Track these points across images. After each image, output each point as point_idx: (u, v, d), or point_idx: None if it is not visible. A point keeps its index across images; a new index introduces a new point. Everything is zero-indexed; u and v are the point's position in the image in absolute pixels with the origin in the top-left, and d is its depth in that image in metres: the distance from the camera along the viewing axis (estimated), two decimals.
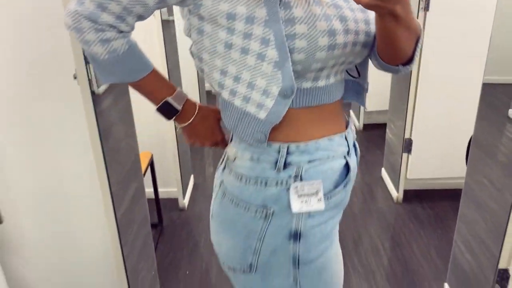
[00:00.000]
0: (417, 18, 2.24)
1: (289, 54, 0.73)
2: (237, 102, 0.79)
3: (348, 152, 0.87)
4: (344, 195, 0.88)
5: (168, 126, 2.46)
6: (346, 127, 0.90)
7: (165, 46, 2.29)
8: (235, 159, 0.85)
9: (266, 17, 0.72)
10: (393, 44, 0.78)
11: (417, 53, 0.84)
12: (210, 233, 0.96)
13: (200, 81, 3.62)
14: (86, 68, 1.19)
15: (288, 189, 0.80)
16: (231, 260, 0.90)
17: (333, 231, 0.89)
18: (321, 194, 0.81)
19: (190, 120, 0.88)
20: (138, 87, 0.85)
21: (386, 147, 2.89)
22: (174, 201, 2.64)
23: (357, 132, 3.65)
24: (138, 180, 1.68)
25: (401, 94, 2.55)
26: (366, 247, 2.25)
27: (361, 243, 2.27)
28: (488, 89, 1.59)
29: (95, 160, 1.31)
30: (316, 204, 0.80)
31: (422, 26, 2.08)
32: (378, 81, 3.38)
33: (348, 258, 2.17)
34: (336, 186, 0.84)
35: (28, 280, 1.63)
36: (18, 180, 1.48)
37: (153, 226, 2.33)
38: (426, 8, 2.17)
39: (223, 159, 0.93)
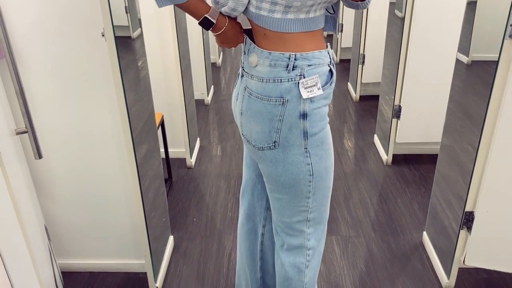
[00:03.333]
0: None
1: None
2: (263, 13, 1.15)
3: (330, 62, 1.22)
4: (330, 91, 1.23)
5: (177, 94, 2.69)
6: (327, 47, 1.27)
7: (176, 23, 2.49)
8: (256, 65, 1.18)
9: None
10: None
11: None
12: (242, 127, 1.27)
13: (206, 55, 3.83)
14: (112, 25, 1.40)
15: (296, 84, 1.15)
16: (261, 141, 1.23)
17: (326, 116, 1.25)
18: (319, 85, 1.17)
19: (222, 29, 1.21)
20: (184, 8, 1.15)
21: (379, 116, 3.11)
22: (182, 160, 2.88)
23: (354, 102, 3.87)
24: (153, 135, 1.91)
25: (393, 65, 2.76)
26: (356, 201, 2.49)
27: (351, 197, 2.52)
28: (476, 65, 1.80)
29: (120, 110, 1.53)
30: (317, 91, 1.17)
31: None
32: (374, 55, 3.59)
33: (339, 210, 2.42)
34: (326, 83, 1.20)
35: (58, 215, 1.88)
36: (50, 123, 1.71)
37: (164, 181, 2.57)
38: None
39: (240, 73, 1.28)
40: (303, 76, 1.16)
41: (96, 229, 1.90)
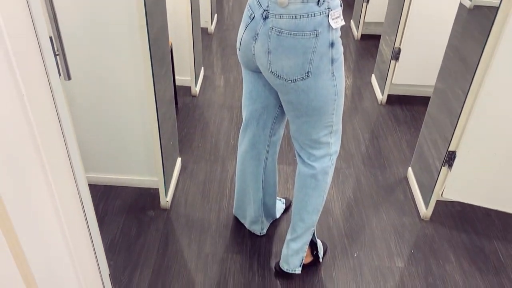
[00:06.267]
0: None
1: None
2: None
3: None
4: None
5: (185, 21, 2.74)
6: None
7: None
8: (288, 4, 1.29)
9: None
10: None
11: None
12: (271, 64, 1.40)
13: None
14: None
15: (326, 16, 1.30)
16: (293, 73, 1.38)
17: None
18: (341, 17, 1.34)
19: None
20: None
21: (378, 56, 3.22)
22: (187, 88, 3.01)
23: (355, 41, 3.94)
24: (167, 59, 2.01)
25: (397, 6, 2.82)
26: (349, 136, 2.68)
27: (345, 132, 2.70)
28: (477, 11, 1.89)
29: (141, 39, 1.63)
30: (341, 22, 1.35)
31: None
32: None
33: None
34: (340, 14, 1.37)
35: (76, 131, 2.03)
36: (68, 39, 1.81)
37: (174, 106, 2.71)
38: None
39: (260, 15, 1.36)
40: (330, 8, 1.31)
41: (112, 147, 2.06)
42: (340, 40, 1.40)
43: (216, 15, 4.30)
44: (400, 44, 2.79)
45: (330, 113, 1.50)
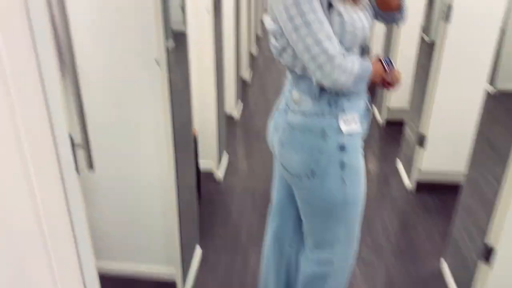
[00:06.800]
0: (437, 29, 2.51)
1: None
2: None
3: (367, 98, 1.34)
4: (366, 125, 1.35)
5: (210, 108, 2.81)
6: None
7: (214, 35, 2.62)
8: (301, 101, 1.29)
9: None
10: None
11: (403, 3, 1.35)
12: (282, 157, 1.38)
13: (237, 69, 3.95)
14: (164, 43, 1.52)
15: (336, 118, 1.25)
16: (299, 170, 1.33)
17: (360, 148, 1.35)
18: (357, 121, 1.28)
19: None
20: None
21: (403, 142, 3.17)
22: (210, 174, 3.00)
23: (379, 126, 3.92)
24: (190, 145, 2.02)
25: (420, 93, 2.83)
26: (377, 225, 2.56)
27: (373, 222, 2.58)
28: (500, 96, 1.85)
29: (164, 116, 1.64)
30: (355, 126, 1.28)
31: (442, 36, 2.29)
32: (403, 80, 3.64)
33: (360, 233, 2.48)
34: (361, 117, 1.31)
35: (92, 218, 1.99)
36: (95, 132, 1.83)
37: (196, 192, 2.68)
38: (446, 19, 2.43)
39: (282, 107, 1.38)
40: (343, 110, 1.27)
41: (129, 233, 2.01)
42: (357, 144, 1.33)
43: (242, 101, 4.41)
44: (425, 130, 2.75)
45: (337, 220, 1.41)
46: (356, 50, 1.29)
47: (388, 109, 3.93)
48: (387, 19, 1.39)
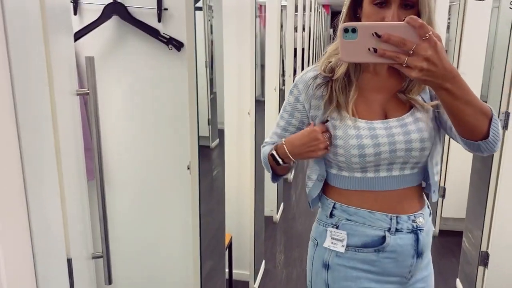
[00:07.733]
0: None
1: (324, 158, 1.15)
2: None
3: (389, 229, 1.08)
4: (376, 259, 1.10)
5: (247, 210, 2.65)
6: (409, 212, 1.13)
7: (255, 134, 2.56)
8: (313, 204, 1.25)
9: None
10: (460, 119, 0.95)
11: (494, 131, 0.98)
12: None
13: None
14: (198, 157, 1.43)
15: (325, 229, 1.17)
16: (306, 276, 1.25)
17: (358, 281, 1.11)
18: (345, 243, 1.09)
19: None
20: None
21: (462, 257, 2.83)
22: (245, 283, 2.75)
23: (433, 237, 3.59)
24: (220, 253, 1.85)
25: (479, 203, 2.56)
26: None
27: None
28: None
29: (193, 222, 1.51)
30: (340, 248, 1.12)
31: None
32: (456, 188, 3.39)
33: None
34: (364, 246, 1.09)
35: None
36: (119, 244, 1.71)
37: None
38: (505, 127, 2.26)
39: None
40: (337, 226, 1.15)
41: None
42: (348, 273, 1.11)
43: (282, 203, 4.24)
44: (487, 248, 2.43)
45: None
46: (371, 173, 1.10)
47: (442, 218, 3.62)
48: (467, 143, 1.03)
